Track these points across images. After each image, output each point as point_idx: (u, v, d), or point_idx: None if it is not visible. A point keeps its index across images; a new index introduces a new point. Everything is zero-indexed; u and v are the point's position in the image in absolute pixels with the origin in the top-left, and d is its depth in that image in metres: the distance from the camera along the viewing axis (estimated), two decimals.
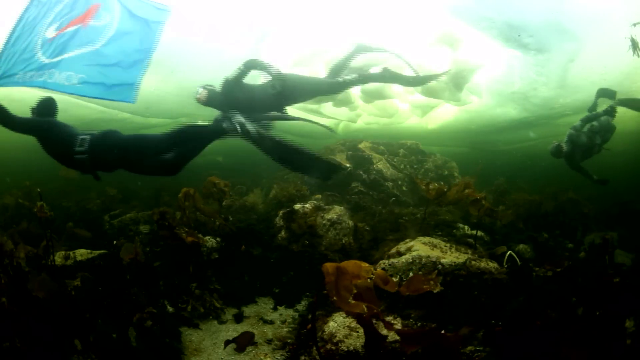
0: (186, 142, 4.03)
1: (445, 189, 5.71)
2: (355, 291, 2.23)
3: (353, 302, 2.17)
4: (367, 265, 2.36)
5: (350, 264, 2.30)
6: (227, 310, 4.70)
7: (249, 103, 4.83)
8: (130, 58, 3.82)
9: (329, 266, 2.28)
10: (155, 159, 3.95)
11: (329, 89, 5.77)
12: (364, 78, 5.80)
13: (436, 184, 5.83)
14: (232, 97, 4.85)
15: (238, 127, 4.06)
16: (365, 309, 2.16)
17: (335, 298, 2.20)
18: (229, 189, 6.54)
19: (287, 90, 5.05)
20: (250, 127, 4.07)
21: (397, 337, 3.08)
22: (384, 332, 3.18)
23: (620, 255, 5.30)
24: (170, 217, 5.18)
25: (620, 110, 10.48)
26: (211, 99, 4.94)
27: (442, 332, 2.15)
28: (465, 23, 7.88)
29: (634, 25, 6.06)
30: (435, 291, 2.92)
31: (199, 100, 4.97)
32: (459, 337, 2.16)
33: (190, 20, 7.56)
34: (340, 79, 5.57)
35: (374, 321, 2.33)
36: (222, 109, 4.65)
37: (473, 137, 18.86)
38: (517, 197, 8.92)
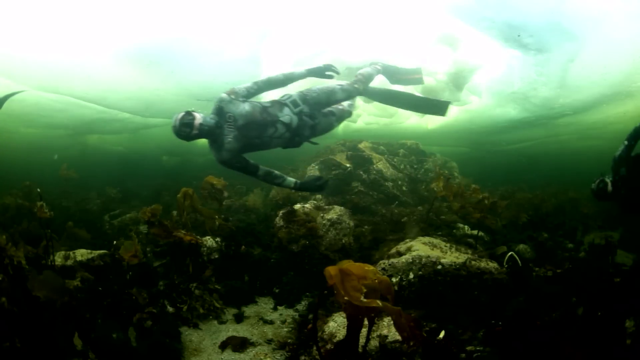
0: None
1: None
2: (365, 290, 2.26)
3: (366, 299, 2.21)
4: (373, 268, 2.39)
5: (355, 266, 2.33)
6: (227, 310, 4.70)
7: None
8: None
9: (331, 269, 2.30)
10: None
11: None
12: None
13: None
14: None
15: None
16: (381, 304, 2.18)
17: (340, 299, 2.23)
18: (226, 190, 6.52)
19: None
20: None
21: (398, 337, 3.09)
22: (384, 331, 3.19)
23: (621, 255, 5.29)
24: (160, 215, 5.14)
25: (620, 110, 10.37)
26: None
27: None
28: (465, 23, 7.88)
29: None
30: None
31: None
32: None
33: (190, 20, 7.55)
34: None
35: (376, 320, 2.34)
36: None
37: (473, 137, 18.88)
38: (520, 196, 9.12)
